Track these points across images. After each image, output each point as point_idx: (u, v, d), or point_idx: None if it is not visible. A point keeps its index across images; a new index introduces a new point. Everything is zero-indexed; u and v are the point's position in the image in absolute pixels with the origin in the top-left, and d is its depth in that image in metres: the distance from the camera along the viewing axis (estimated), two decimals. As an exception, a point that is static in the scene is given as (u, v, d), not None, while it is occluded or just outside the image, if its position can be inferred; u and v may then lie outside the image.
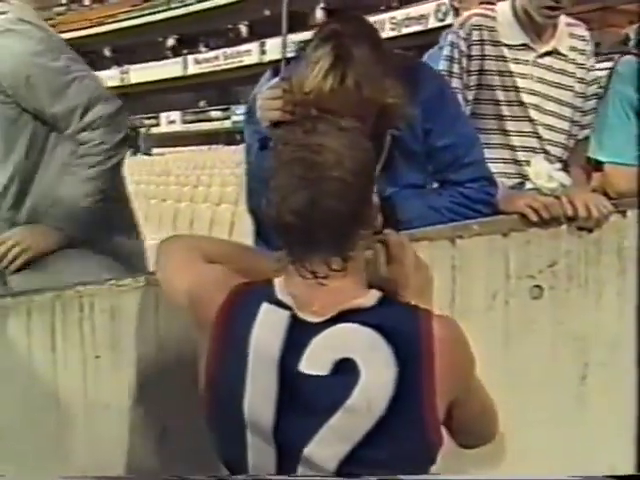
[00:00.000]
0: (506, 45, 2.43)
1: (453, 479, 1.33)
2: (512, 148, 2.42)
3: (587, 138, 2.38)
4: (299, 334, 1.35)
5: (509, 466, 1.85)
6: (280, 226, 1.36)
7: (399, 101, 1.78)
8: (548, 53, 2.44)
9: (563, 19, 2.44)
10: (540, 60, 2.44)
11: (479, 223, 1.94)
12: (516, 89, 2.41)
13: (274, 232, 1.39)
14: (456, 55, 2.43)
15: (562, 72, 2.45)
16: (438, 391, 1.31)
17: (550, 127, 2.42)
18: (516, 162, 2.40)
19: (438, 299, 1.82)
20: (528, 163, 2.28)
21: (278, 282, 1.40)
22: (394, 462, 1.31)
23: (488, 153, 2.10)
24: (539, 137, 2.41)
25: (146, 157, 26.31)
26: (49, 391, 1.71)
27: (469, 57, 2.42)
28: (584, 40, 2.49)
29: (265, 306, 1.38)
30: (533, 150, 2.39)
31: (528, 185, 2.25)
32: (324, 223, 1.34)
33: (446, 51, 2.46)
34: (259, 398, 1.34)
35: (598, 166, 2.26)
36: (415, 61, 2.06)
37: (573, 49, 2.46)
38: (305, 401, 1.33)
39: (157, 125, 38.22)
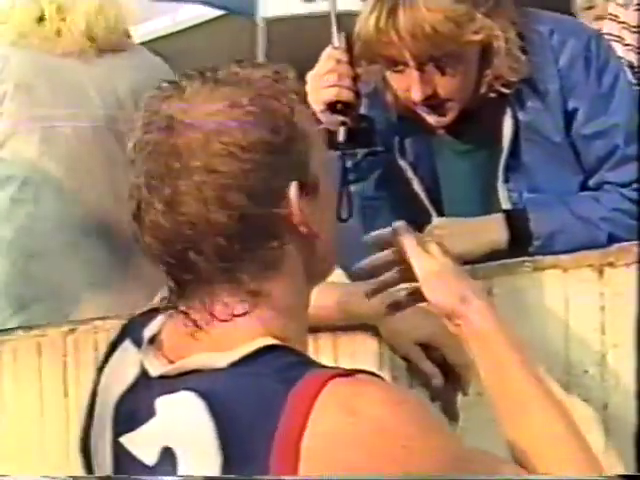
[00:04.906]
0: None
1: (453, 479, 0.85)
2: None
3: None
4: (144, 390, 0.92)
5: None
6: (145, 252, 0.92)
7: (498, 35, 1.33)
8: None
9: None
10: None
11: (643, 245, 1.33)
12: None
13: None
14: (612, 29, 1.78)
15: None
16: None
17: None
18: None
19: (582, 357, 1.28)
20: None
21: (166, 314, 0.97)
22: None
23: None
24: None
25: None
26: (61, 444, 1.42)
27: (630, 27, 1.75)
28: None
29: (125, 343, 0.99)
30: None
31: None
32: (192, 241, 0.87)
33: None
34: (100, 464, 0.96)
35: None
36: (548, 14, 1.49)
37: None
38: None
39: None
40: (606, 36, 1.81)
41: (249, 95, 0.88)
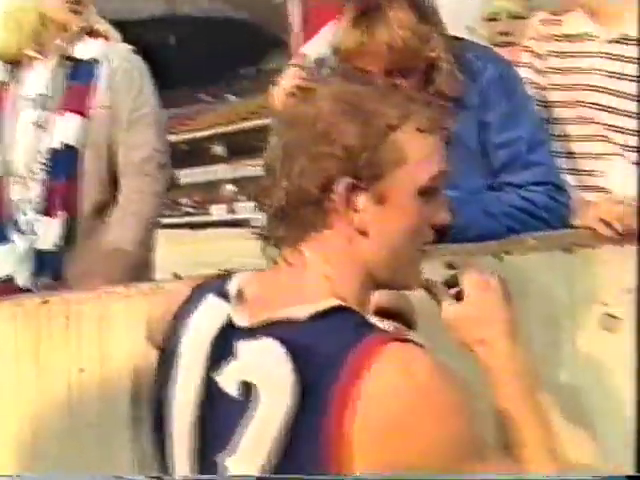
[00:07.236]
0: (567, 36, 1.96)
1: (452, 479, 1.03)
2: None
3: None
4: (229, 337, 1.11)
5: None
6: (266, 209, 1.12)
7: (443, 57, 1.58)
8: (616, 41, 1.92)
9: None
10: (607, 49, 1.92)
11: (535, 236, 1.60)
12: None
13: None
14: (526, 59, 1.99)
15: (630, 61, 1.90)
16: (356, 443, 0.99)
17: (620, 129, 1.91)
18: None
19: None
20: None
21: (242, 273, 1.17)
22: None
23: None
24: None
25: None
26: (33, 406, 1.61)
27: (540, 56, 1.99)
28: None
29: (209, 297, 1.16)
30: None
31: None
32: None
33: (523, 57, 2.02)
34: (182, 404, 1.13)
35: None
36: (475, 44, 1.77)
37: None
38: (219, 420, 1.10)
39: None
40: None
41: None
